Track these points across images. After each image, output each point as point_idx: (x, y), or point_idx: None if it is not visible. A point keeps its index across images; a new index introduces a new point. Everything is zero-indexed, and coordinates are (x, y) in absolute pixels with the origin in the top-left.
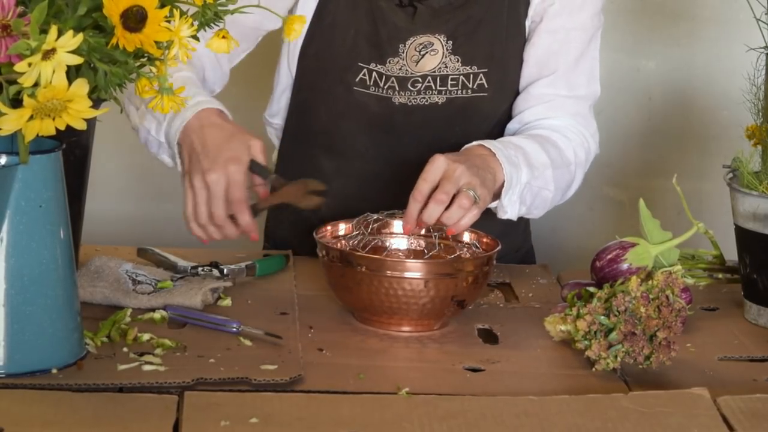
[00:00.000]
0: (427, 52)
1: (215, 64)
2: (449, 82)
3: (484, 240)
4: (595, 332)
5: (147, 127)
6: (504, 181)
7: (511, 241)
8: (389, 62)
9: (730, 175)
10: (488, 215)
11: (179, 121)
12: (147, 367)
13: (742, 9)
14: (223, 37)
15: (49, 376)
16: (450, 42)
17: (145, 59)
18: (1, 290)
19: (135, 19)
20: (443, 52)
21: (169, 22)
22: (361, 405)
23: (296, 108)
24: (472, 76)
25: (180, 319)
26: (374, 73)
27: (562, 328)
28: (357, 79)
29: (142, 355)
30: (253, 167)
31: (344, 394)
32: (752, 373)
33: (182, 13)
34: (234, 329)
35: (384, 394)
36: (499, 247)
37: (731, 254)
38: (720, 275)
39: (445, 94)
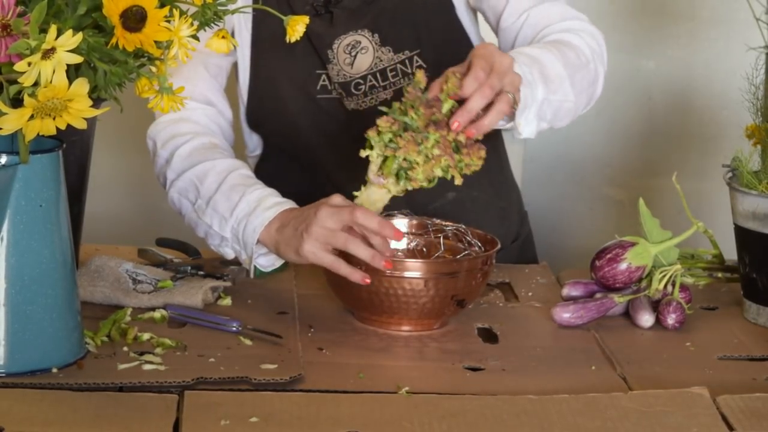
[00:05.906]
0: (357, 52)
1: (225, 122)
2: (389, 74)
3: (484, 239)
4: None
5: (208, 222)
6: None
7: (508, 230)
8: (328, 69)
9: (730, 174)
10: (483, 206)
11: (258, 220)
12: (147, 367)
13: (742, 9)
14: (223, 37)
15: (50, 375)
16: (376, 35)
17: (145, 59)
18: (1, 289)
19: (135, 19)
20: (373, 48)
21: (168, 21)
22: (361, 404)
23: (271, 135)
24: (407, 60)
25: (180, 319)
26: (332, 78)
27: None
28: (318, 87)
29: (142, 354)
30: None
31: (344, 393)
32: (752, 372)
33: (182, 13)
34: (234, 329)
35: (384, 393)
36: (499, 246)
37: (731, 254)
38: (719, 274)
39: (390, 87)
